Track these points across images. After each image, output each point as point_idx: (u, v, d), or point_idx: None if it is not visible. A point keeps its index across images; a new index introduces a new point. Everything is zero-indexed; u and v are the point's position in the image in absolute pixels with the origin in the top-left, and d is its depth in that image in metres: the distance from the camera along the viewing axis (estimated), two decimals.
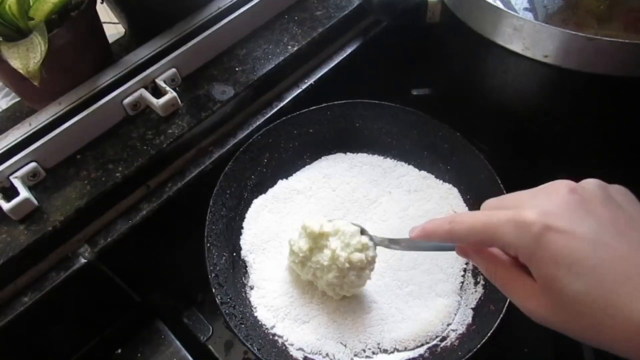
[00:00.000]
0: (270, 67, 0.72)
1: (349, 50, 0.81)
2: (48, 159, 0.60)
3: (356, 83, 0.82)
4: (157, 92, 0.65)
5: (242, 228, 0.72)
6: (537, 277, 0.36)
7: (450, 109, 0.77)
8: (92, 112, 0.61)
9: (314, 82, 0.78)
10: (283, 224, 0.73)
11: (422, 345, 0.65)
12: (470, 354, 0.57)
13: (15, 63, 0.52)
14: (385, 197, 0.76)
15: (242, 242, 0.71)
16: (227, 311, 0.61)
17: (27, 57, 0.52)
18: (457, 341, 0.64)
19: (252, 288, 0.69)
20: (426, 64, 0.83)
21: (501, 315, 0.59)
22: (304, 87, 0.77)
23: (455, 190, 0.75)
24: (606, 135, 0.64)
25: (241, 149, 0.72)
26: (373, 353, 0.64)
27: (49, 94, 0.61)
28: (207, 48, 0.71)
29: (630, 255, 0.34)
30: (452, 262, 0.69)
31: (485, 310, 0.64)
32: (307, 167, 0.79)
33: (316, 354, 0.64)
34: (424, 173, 0.77)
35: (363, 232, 0.62)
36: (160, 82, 0.65)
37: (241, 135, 0.72)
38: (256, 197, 0.75)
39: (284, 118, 0.75)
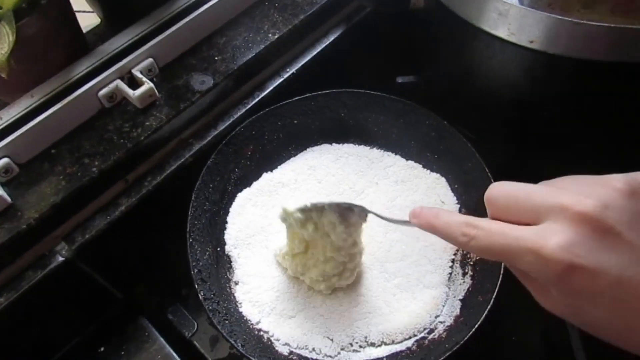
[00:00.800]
0: (250, 56, 0.70)
1: (332, 38, 0.79)
2: (21, 154, 0.58)
3: (340, 71, 0.80)
4: (134, 83, 0.64)
5: (227, 222, 0.71)
6: (558, 296, 0.35)
7: (436, 96, 0.76)
8: (66, 104, 0.59)
9: (296, 70, 0.76)
10: (268, 218, 0.72)
11: (410, 338, 0.64)
12: (457, 346, 0.56)
13: None
14: (372, 188, 0.74)
15: (226, 237, 0.70)
16: (210, 307, 0.60)
17: None
18: (445, 333, 0.63)
19: (237, 283, 0.67)
20: (411, 51, 0.81)
21: (489, 307, 0.58)
22: (285, 76, 0.75)
23: (442, 180, 0.74)
24: (595, 121, 0.63)
25: (224, 142, 0.70)
26: (360, 347, 0.63)
27: (20, 86, 0.59)
28: (185, 37, 0.69)
29: None
30: (440, 253, 0.68)
31: (474, 301, 0.63)
32: (292, 159, 0.78)
33: (302, 348, 0.63)
34: (411, 163, 0.76)
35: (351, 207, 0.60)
36: (136, 72, 0.63)
37: (222, 126, 0.70)
38: (240, 190, 0.74)
39: (267, 109, 0.74)
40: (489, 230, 0.37)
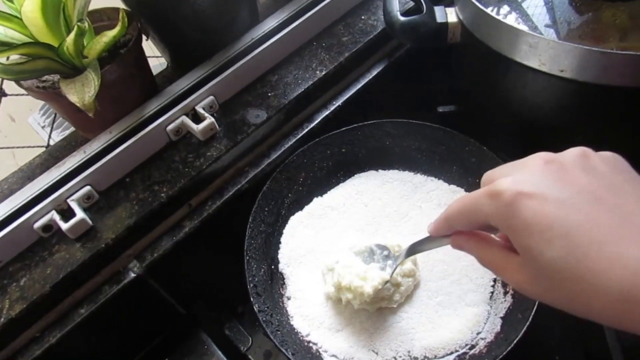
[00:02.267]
0: (299, 91, 0.76)
1: (374, 72, 0.84)
2: (101, 182, 0.65)
3: (383, 103, 0.85)
4: (197, 119, 0.70)
5: (280, 242, 0.76)
6: (517, 249, 0.35)
7: (475, 124, 0.79)
8: (139, 138, 0.66)
9: (342, 104, 0.81)
10: (318, 239, 0.77)
11: (452, 353, 0.67)
12: None
13: (73, 97, 0.58)
14: (416, 211, 0.78)
15: (279, 256, 0.75)
16: (264, 319, 0.65)
17: (83, 92, 0.58)
18: (486, 349, 0.65)
19: (289, 298, 0.72)
20: (450, 82, 0.85)
21: (527, 323, 0.60)
22: (332, 108, 0.81)
23: None
24: (627, 145, 0.65)
25: (278, 170, 0.76)
26: None
27: (100, 123, 0.66)
28: (242, 76, 0.75)
29: (606, 220, 0.32)
30: (482, 273, 0.71)
31: (514, 319, 0.66)
32: (341, 184, 0.82)
33: None
34: (453, 187, 0.80)
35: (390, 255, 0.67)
36: (199, 109, 0.70)
37: (274, 155, 0.76)
38: (293, 213, 0.79)
39: (317, 139, 0.79)
40: (458, 198, 0.42)
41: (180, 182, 0.67)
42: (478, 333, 0.68)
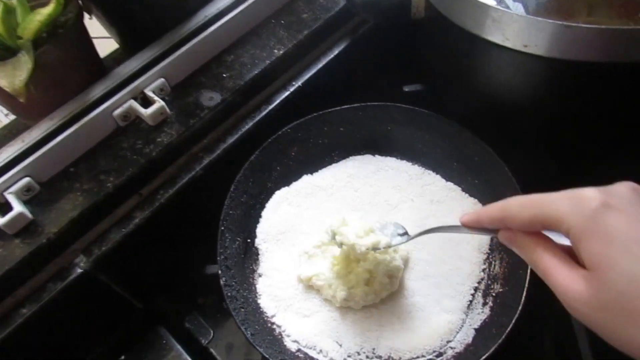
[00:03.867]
0: (257, 72, 0.71)
1: (336, 51, 0.79)
2: (42, 173, 0.62)
3: (346, 83, 0.79)
4: (147, 102, 0.66)
5: (260, 217, 0.73)
6: (586, 255, 0.34)
7: (441, 103, 0.73)
8: (84, 125, 0.63)
9: (302, 84, 0.75)
10: (301, 218, 0.72)
11: (417, 357, 0.62)
12: None
13: (2, 82, 0.55)
14: (407, 204, 0.72)
15: (258, 230, 0.72)
16: (229, 294, 0.62)
17: (14, 75, 0.55)
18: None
19: (260, 275, 0.69)
20: (416, 60, 0.79)
21: (499, 341, 0.54)
22: (292, 89, 0.75)
23: (479, 206, 0.70)
24: (595, 121, 0.62)
25: (270, 140, 0.72)
26: (367, 357, 0.62)
27: (41, 109, 0.63)
28: (195, 57, 0.71)
29: None
30: (463, 279, 0.65)
31: (487, 333, 0.60)
32: (334, 165, 0.77)
33: (310, 348, 0.64)
34: (450, 185, 0.73)
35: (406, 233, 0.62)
36: (149, 92, 0.66)
37: (231, 140, 0.71)
38: (279, 188, 0.75)
39: (315, 114, 0.74)
40: (526, 195, 0.39)
41: (128, 171, 0.63)
42: (448, 341, 0.62)
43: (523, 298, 0.56)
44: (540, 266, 0.38)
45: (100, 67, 0.71)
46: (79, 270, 0.62)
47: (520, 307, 0.56)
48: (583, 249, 0.34)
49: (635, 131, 0.60)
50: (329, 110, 0.74)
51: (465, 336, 0.61)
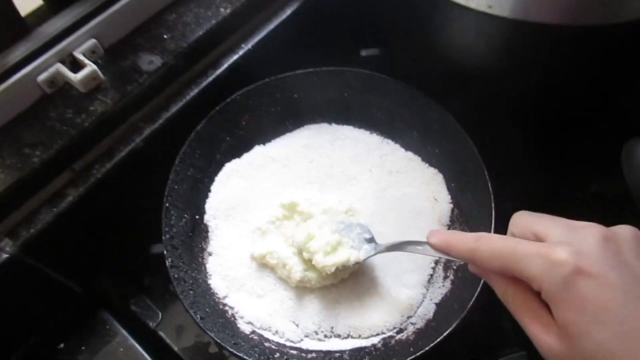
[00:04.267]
0: (201, 33, 0.66)
1: (288, 11, 0.75)
2: None
3: (299, 47, 0.75)
4: (76, 66, 0.59)
5: (210, 191, 0.69)
6: (558, 318, 0.34)
7: (400, 68, 0.72)
8: (3, 92, 0.55)
9: (252, 46, 0.71)
10: (253, 192, 0.69)
11: (378, 335, 0.62)
12: (422, 352, 0.54)
13: None
14: (365, 175, 0.71)
15: (207, 206, 0.68)
16: (176, 275, 0.58)
17: None
18: (414, 335, 0.61)
19: (210, 254, 0.66)
20: (374, 23, 0.77)
21: (462, 316, 0.55)
22: (241, 52, 0.70)
23: (440, 177, 0.71)
24: (559, 87, 0.62)
25: (217, 108, 0.68)
26: (325, 336, 0.62)
27: None
28: (131, 15, 0.64)
29: None
30: None
31: (449, 308, 0.61)
32: (288, 134, 0.75)
33: (266, 329, 0.62)
34: (410, 154, 0.73)
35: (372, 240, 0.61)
36: (78, 55, 0.59)
37: (174, 108, 0.66)
38: (229, 160, 0.71)
39: (267, 79, 0.70)
40: (500, 237, 0.39)
41: (57, 144, 0.57)
42: (409, 317, 0.62)
43: None
44: (513, 309, 0.39)
45: (21, 26, 0.60)
46: (5, 256, 0.54)
47: (482, 281, 0.56)
48: (555, 313, 0.35)
49: (599, 99, 0.61)
50: (282, 75, 0.71)
51: (426, 311, 0.62)
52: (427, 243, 0.46)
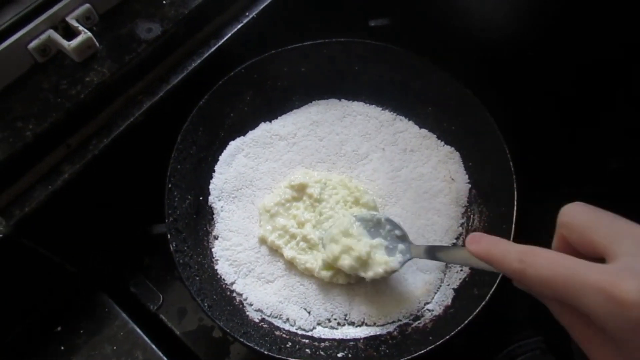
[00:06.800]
0: None
1: None
2: None
3: (306, 17, 0.72)
4: (70, 33, 0.55)
5: (214, 171, 0.66)
6: (626, 357, 0.30)
7: (412, 40, 0.69)
8: None
9: (257, 14, 0.67)
10: (259, 171, 0.67)
11: (394, 322, 0.59)
12: (442, 341, 0.51)
13: None
14: (378, 153, 0.68)
15: (211, 187, 0.65)
16: (181, 260, 0.55)
17: None
18: (431, 323, 0.58)
19: (216, 238, 0.63)
20: None
21: (483, 303, 0.52)
22: (245, 21, 0.67)
23: (456, 155, 0.67)
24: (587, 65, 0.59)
25: (220, 82, 0.64)
26: (339, 324, 0.59)
27: None
28: None
29: None
30: (441, 235, 0.63)
31: (468, 294, 0.58)
32: (295, 110, 0.71)
33: (276, 317, 0.59)
34: (424, 131, 0.70)
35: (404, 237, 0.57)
36: (71, 20, 0.55)
37: (175, 80, 0.62)
38: (233, 138, 0.68)
39: (273, 51, 0.67)
40: (550, 259, 0.32)
41: (51, 117, 0.53)
42: (426, 303, 0.60)
43: None
44: (572, 335, 0.33)
45: None
46: None
47: None
48: (620, 347, 0.30)
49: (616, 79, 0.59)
50: (288, 47, 0.67)
51: (444, 297, 0.59)
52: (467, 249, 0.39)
